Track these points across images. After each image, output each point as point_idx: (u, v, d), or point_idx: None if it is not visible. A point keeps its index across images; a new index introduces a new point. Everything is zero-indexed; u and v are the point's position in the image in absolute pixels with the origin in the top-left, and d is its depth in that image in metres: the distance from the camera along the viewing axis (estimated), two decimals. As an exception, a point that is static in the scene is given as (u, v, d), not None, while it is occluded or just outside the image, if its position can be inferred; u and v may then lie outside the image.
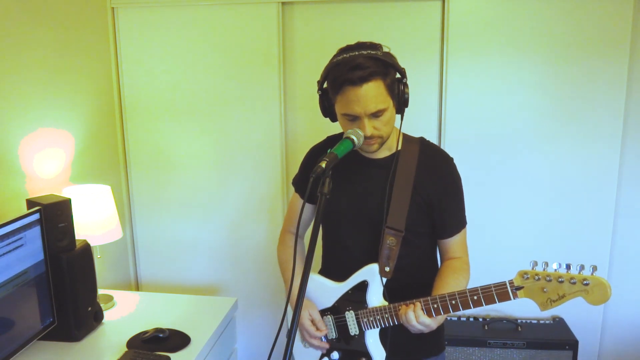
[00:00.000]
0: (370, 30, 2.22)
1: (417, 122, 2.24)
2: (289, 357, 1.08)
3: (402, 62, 1.38)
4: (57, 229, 1.60)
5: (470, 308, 1.27)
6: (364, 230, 1.45)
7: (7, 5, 1.72)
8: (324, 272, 1.58)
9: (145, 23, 2.32)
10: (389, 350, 1.43)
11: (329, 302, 1.48)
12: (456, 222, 1.48)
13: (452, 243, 1.48)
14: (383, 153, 1.45)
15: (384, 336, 1.43)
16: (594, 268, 1.16)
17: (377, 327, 1.41)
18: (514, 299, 1.23)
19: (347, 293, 1.45)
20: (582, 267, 1.17)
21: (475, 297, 1.26)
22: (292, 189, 1.66)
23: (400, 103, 1.37)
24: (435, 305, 1.30)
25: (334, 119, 1.44)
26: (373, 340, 1.43)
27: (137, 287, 2.58)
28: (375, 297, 1.41)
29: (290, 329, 1.08)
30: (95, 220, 1.86)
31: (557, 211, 2.26)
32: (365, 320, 1.42)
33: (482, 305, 1.26)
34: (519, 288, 1.23)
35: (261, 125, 2.34)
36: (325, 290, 1.49)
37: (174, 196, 2.47)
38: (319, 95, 1.42)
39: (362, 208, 1.45)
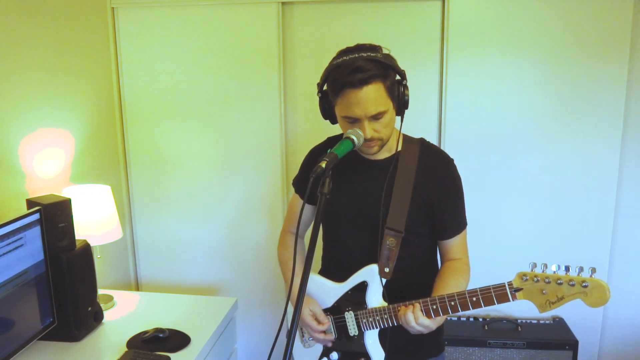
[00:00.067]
0: (370, 30, 2.22)
1: (417, 122, 2.23)
2: (289, 357, 1.08)
3: (401, 62, 1.38)
4: (57, 229, 1.60)
5: (469, 309, 1.27)
6: (364, 230, 1.45)
7: (7, 5, 1.72)
8: (323, 272, 1.58)
9: (145, 23, 2.32)
10: (388, 351, 1.43)
11: (328, 302, 1.48)
12: (456, 223, 1.48)
13: (453, 244, 1.48)
14: (383, 154, 1.45)
15: (383, 337, 1.43)
16: (593, 270, 1.15)
17: (377, 327, 1.41)
18: (513, 300, 1.23)
19: (346, 293, 1.45)
20: (581, 269, 1.17)
21: (474, 299, 1.26)
22: (292, 189, 1.66)
23: (400, 105, 1.36)
24: (435, 307, 1.30)
25: (334, 121, 1.43)
26: (372, 341, 1.43)
27: (137, 287, 2.58)
28: (375, 298, 1.41)
29: (290, 329, 1.08)
30: (95, 220, 1.86)
31: (557, 211, 2.26)
32: (364, 320, 1.42)
33: (481, 306, 1.26)
34: (517, 290, 1.22)
35: (261, 126, 2.34)
36: (324, 291, 1.49)
37: (174, 196, 2.47)
38: (319, 97, 1.42)
39: (362, 208, 1.45)
